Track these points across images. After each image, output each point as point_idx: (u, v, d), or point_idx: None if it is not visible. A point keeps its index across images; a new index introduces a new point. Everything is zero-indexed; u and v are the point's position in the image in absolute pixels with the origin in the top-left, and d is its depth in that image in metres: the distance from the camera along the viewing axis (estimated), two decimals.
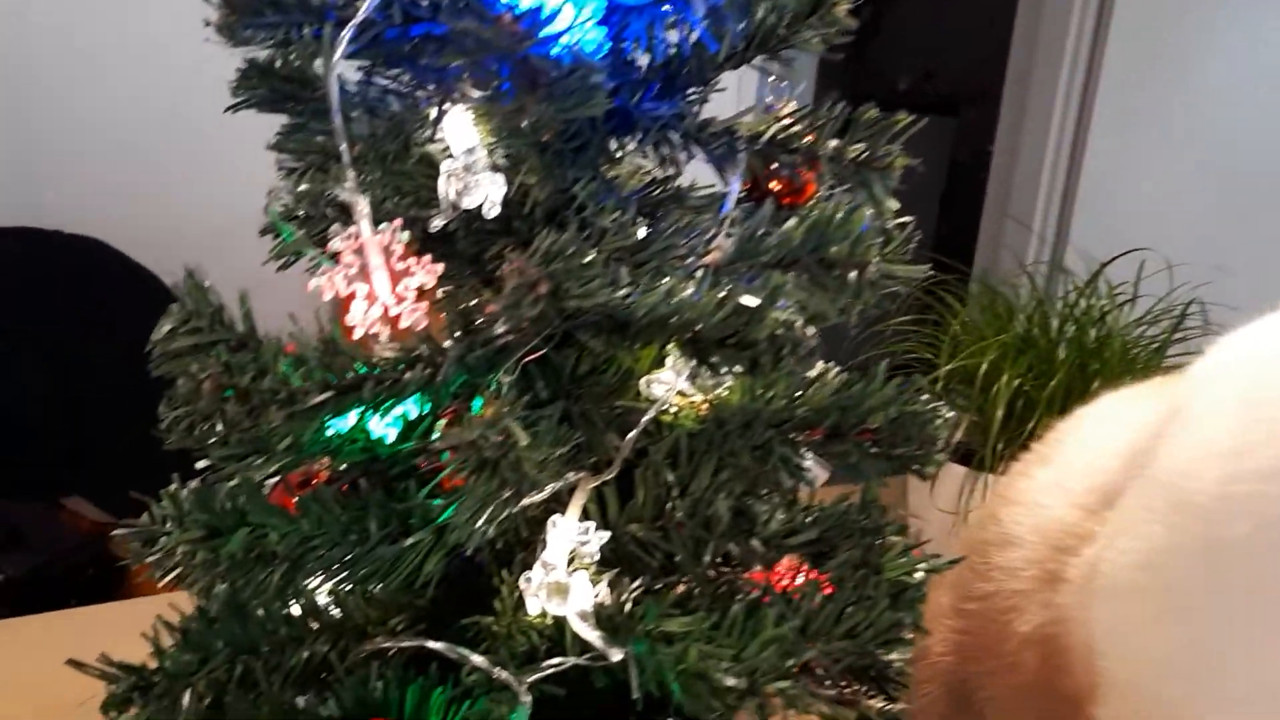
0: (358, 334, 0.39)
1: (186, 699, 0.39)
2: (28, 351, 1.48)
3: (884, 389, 0.44)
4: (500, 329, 0.39)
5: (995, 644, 0.59)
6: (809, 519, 0.45)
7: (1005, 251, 1.51)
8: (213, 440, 0.53)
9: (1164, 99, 1.86)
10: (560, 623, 0.48)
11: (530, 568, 0.47)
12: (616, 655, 0.45)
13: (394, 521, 0.46)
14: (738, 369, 0.40)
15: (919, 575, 0.42)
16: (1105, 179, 1.73)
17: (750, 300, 0.38)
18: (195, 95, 1.59)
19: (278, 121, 0.44)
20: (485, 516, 0.41)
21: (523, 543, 0.50)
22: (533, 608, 0.47)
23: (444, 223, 0.46)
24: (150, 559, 0.47)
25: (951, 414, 0.47)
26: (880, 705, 0.55)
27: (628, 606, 0.44)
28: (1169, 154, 1.84)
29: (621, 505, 0.49)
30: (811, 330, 0.40)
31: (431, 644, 0.47)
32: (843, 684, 0.55)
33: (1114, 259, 1.14)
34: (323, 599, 0.47)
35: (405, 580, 0.48)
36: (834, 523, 0.44)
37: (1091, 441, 0.59)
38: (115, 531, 0.57)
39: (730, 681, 0.37)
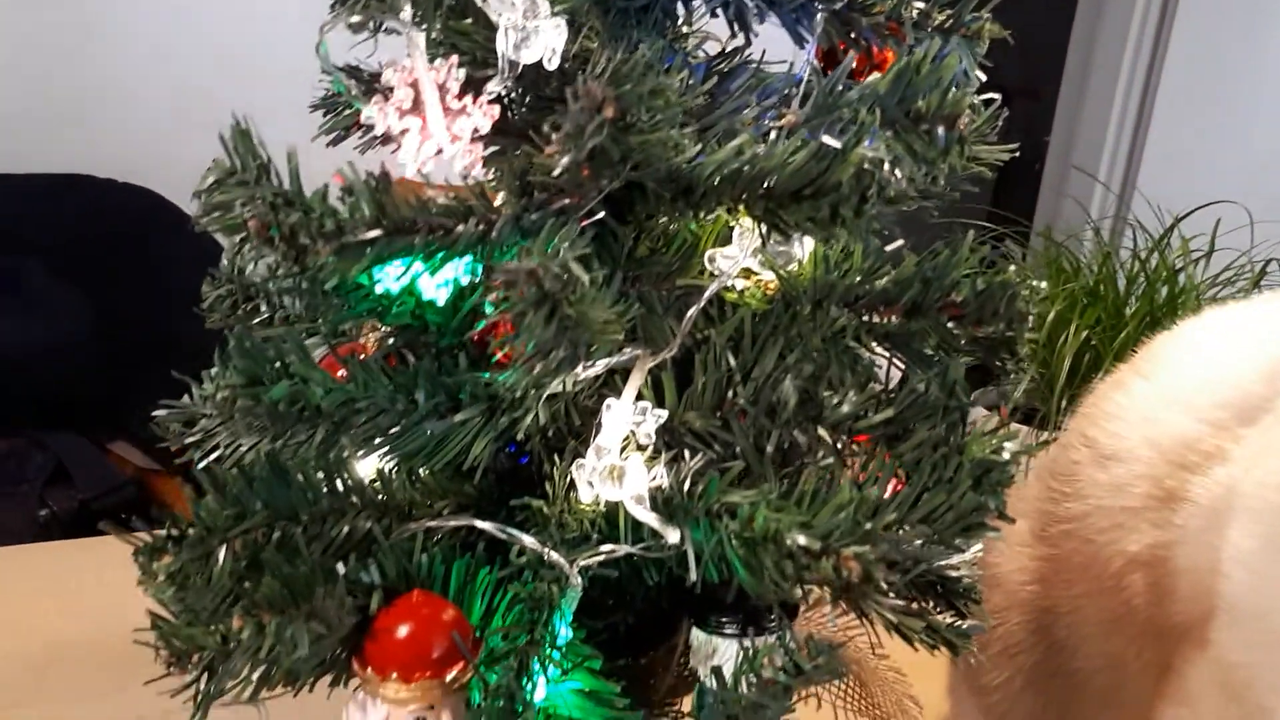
0: (410, 171, 0.37)
1: (222, 554, 0.37)
2: (79, 297, 1.49)
3: (970, 258, 0.41)
4: (559, 171, 0.36)
5: (1092, 567, 0.55)
6: (883, 401, 0.42)
7: (1068, 205, 1.45)
8: (256, 320, 0.52)
9: (1241, 45, 1.75)
10: (612, 513, 0.45)
11: (583, 456, 0.44)
12: (673, 536, 0.42)
13: (442, 395, 0.44)
14: (814, 224, 0.37)
15: (1006, 454, 0.39)
16: (1177, 128, 1.64)
17: (833, 141, 0.35)
18: (255, 49, 1.59)
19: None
20: (539, 371, 0.38)
21: (574, 432, 0.48)
22: (585, 495, 0.45)
23: (500, 86, 0.43)
24: (190, 439, 0.45)
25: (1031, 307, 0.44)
26: (951, 620, 0.51)
27: (686, 485, 0.42)
28: (1246, 101, 1.74)
29: (679, 394, 0.46)
30: (901, 175, 0.36)
31: (480, 523, 0.45)
32: (910, 597, 0.52)
33: (1190, 212, 1.09)
34: (367, 473, 0.44)
35: (453, 462, 0.45)
36: (911, 404, 0.41)
37: (1215, 355, 0.55)
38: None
39: (802, 540, 0.35)
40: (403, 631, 0.38)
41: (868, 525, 0.35)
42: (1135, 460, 0.54)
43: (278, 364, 0.39)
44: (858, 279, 0.42)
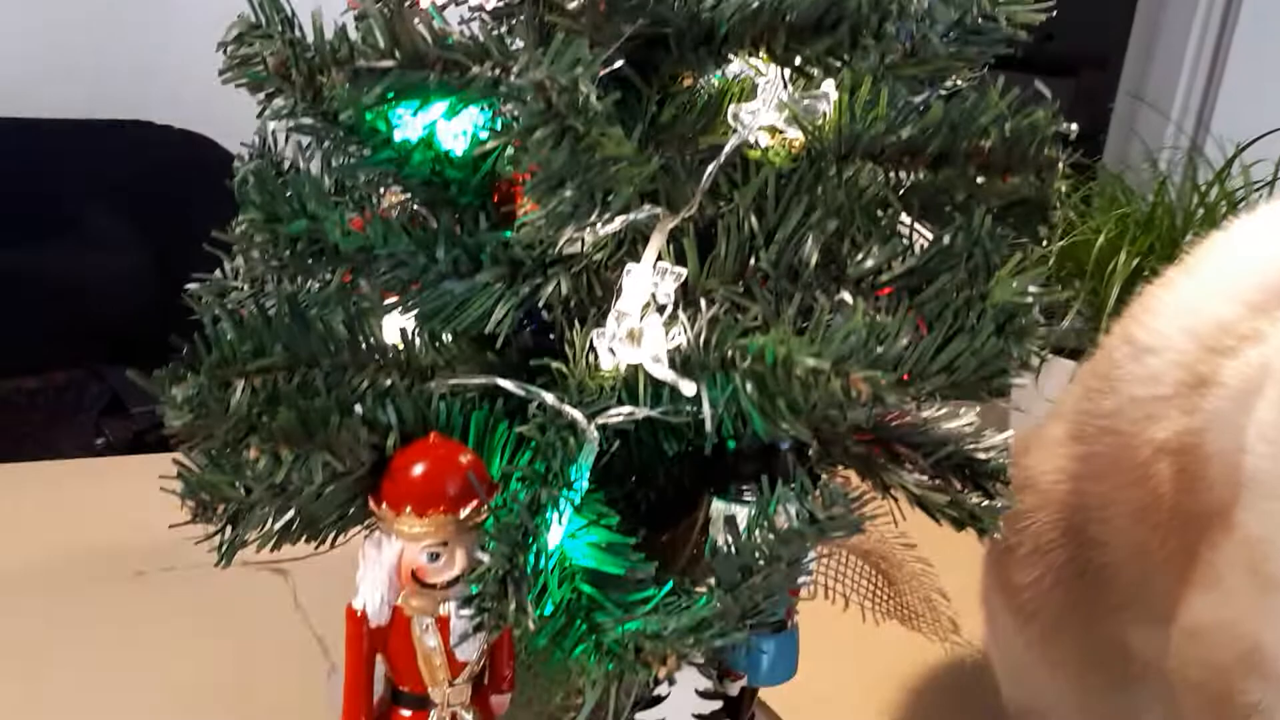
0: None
1: (240, 385, 0.38)
2: (139, 236, 1.53)
3: (999, 104, 0.39)
4: (575, 4, 0.36)
5: (1122, 458, 0.54)
6: (907, 253, 0.41)
7: (1137, 144, 1.40)
8: None
9: None
10: (632, 381, 0.45)
11: (604, 324, 0.44)
12: (689, 389, 0.42)
13: (462, 254, 0.44)
14: (836, 56, 0.36)
15: (1030, 297, 0.38)
16: (1253, 64, 1.56)
17: None
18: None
19: None
20: (553, 212, 0.38)
21: (597, 303, 0.48)
22: (606, 362, 0.44)
23: None
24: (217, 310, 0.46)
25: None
26: (978, 501, 0.51)
27: (703, 335, 0.41)
28: None
29: (701, 261, 0.45)
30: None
31: (502, 381, 0.45)
32: (936, 478, 0.51)
33: (1253, 141, 1.05)
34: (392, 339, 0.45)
35: (475, 326, 0.45)
36: (935, 254, 0.40)
37: (1261, 244, 0.54)
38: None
39: (810, 363, 0.34)
40: (418, 468, 0.39)
41: (879, 349, 0.34)
42: (1171, 350, 0.53)
43: (296, 204, 0.39)
44: (883, 128, 0.41)
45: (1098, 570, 0.56)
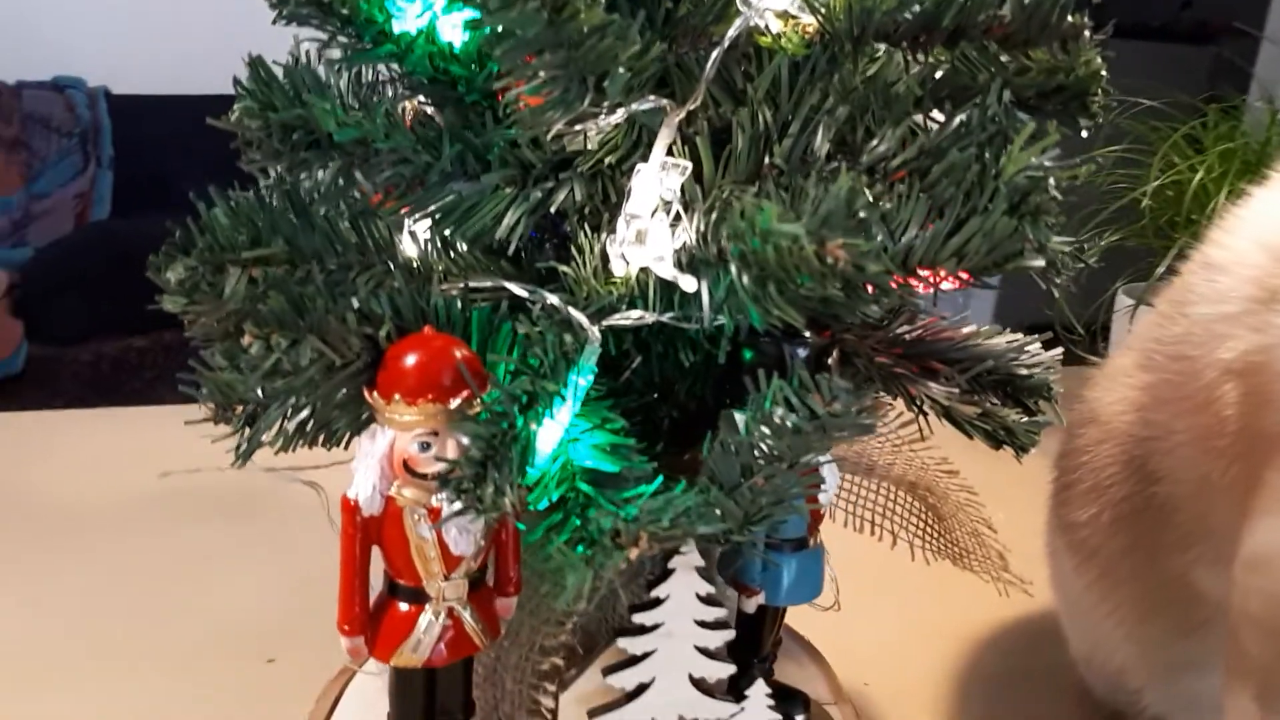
0: None
1: (235, 273, 0.38)
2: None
3: None
4: None
5: (1186, 383, 0.50)
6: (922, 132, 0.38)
7: None
8: None
9: None
10: (644, 286, 0.44)
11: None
12: (690, 284, 0.40)
13: (469, 153, 0.44)
14: None
15: (1043, 171, 0.35)
16: None
17: None
18: None
19: None
20: (548, 100, 0.37)
21: (612, 209, 0.46)
22: (618, 269, 0.43)
23: None
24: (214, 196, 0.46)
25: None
26: (1015, 415, 0.47)
27: (706, 231, 0.40)
28: None
29: (716, 163, 0.44)
30: None
31: (507, 284, 0.44)
32: (973, 394, 0.49)
33: None
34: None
35: (486, 230, 0.45)
36: (951, 133, 0.37)
37: None
38: None
39: (787, 228, 0.32)
40: (410, 358, 0.38)
41: (862, 214, 0.32)
42: (1241, 265, 0.49)
43: (290, 92, 0.39)
44: (895, 3, 0.38)
45: (1159, 507, 0.52)
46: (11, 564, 0.74)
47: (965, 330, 0.50)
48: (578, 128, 0.44)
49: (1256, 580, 0.45)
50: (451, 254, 0.47)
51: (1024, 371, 0.49)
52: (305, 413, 0.45)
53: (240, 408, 0.46)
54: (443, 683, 0.43)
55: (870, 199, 0.33)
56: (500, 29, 0.35)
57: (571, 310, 0.42)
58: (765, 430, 0.38)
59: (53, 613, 0.69)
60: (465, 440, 0.35)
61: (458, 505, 0.36)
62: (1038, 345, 0.50)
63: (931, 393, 0.46)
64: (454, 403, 0.38)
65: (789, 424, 0.38)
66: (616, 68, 0.38)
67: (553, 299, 0.43)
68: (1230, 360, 0.47)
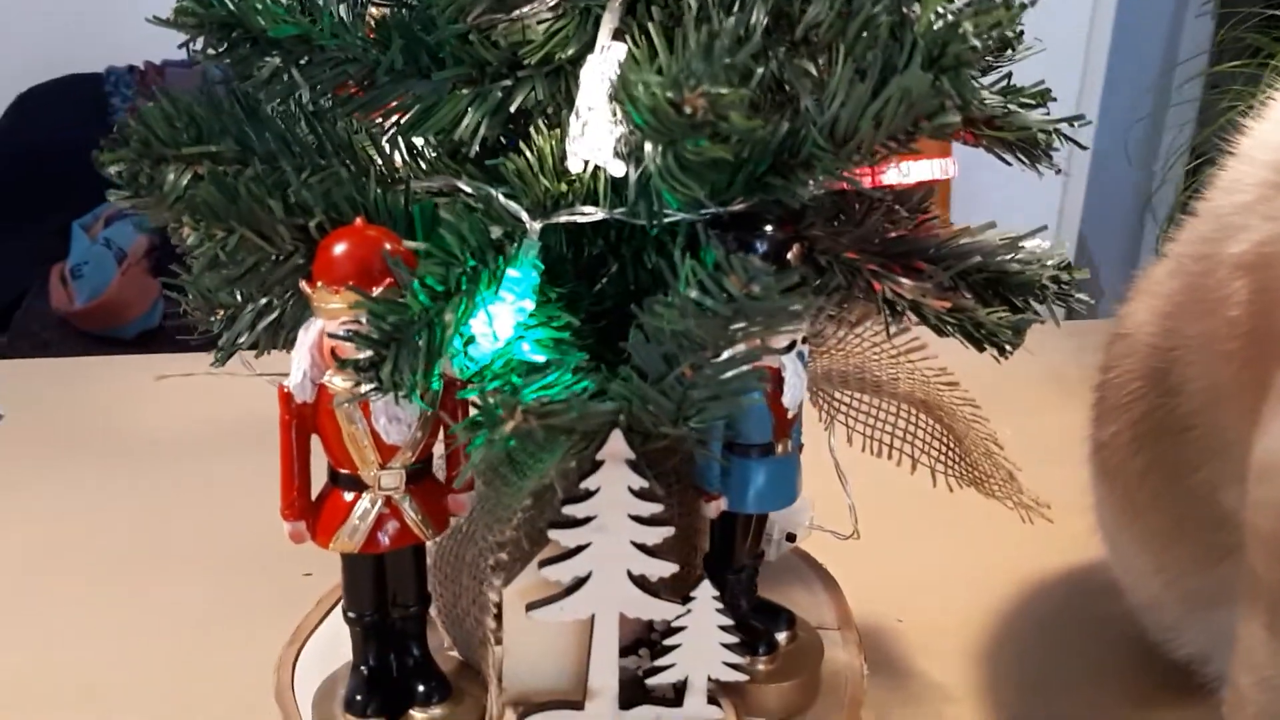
0: None
1: (173, 169, 0.40)
2: None
3: None
4: None
5: (1199, 285, 0.46)
6: None
7: None
8: None
9: None
10: (593, 188, 0.43)
11: None
12: (618, 169, 0.39)
13: (421, 50, 0.44)
14: None
15: (963, 23, 0.31)
16: None
17: None
18: None
19: None
20: None
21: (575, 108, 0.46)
22: (574, 166, 0.42)
23: None
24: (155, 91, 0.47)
25: None
26: (1001, 314, 0.44)
27: None
28: None
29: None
30: None
31: (458, 181, 0.44)
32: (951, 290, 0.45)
33: None
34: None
35: (447, 131, 0.45)
36: None
37: None
38: None
39: (652, 80, 0.30)
40: (338, 246, 0.39)
41: (726, 59, 0.30)
42: (1260, 150, 0.44)
43: None
44: None
45: (1178, 423, 0.47)
46: (116, 484, 0.80)
47: (954, 228, 0.46)
48: (513, 15, 0.43)
49: (1264, 491, 0.40)
50: (415, 153, 0.47)
51: (1015, 268, 0.45)
52: (276, 314, 0.46)
53: (221, 311, 0.48)
54: (392, 571, 0.44)
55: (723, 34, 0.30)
56: None
57: (505, 201, 0.41)
58: (681, 315, 0.37)
59: (134, 527, 0.74)
60: (364, 321, 0.36)
61: (366, 388, 0.36)
62: (1036, 241, 0.46)
63: (901, 289, 0.43)
64: (376, 291, 0.38)
65: (706, 307, 0.36)
66: None
67: (498, 195, 0.42)
68: (1241, 253, 0.42)
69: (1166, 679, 0.57)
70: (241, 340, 0.47)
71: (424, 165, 0.48)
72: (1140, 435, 0.49)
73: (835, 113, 0.35)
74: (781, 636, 0.50)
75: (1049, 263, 0.47)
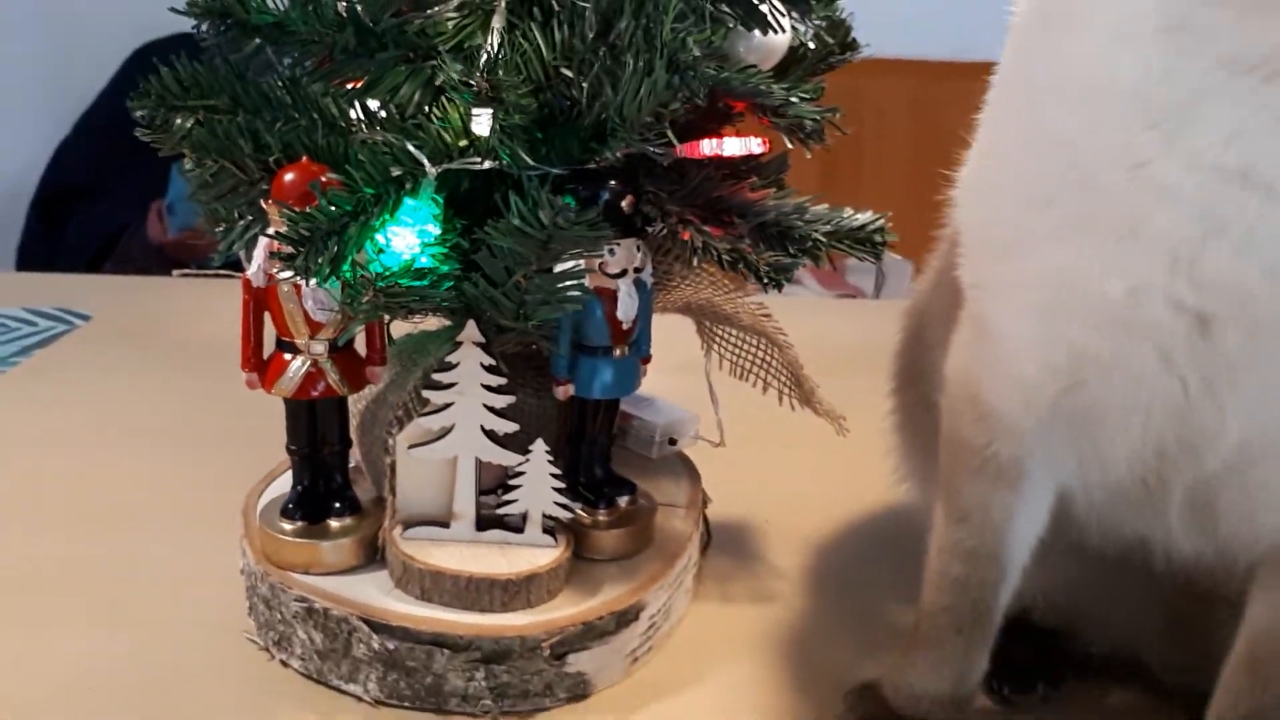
0: None
1: (181, 116, 0.56)
2: None
3: None
4: None
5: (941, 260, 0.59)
6: None
7: None
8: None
9: None
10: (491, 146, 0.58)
11: None
12: (483, 127, 0.54)
13: (369, 35, 0.59)
14: None
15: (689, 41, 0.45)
16: None
17: None
18: None
19: None
20: None
21: None
22: (476, 129, 0.57)
23: None
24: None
25: None
26: (771, 258, 0.58)
27: None
28: None
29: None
30: None
31: (378, 133, 0.60)
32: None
33: None
34: None
35: (390, 97, 0.60)
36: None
37: None
38: None
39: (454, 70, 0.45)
40: (286, 176, 0.55)
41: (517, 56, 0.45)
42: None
43: None
44: None
45: (927, 366, 0.60)
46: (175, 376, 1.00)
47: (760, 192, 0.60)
48: (427, 12, 0.58)
49: (945, 399, 0.53)
50: (369, 114, 0.63)
51: (798, 224, 0.59)
52: (257, 228, 0.63)
53: (222, 226, 0.65)
54: (321, 416, 0.60)
55: None
56: None
57: (411, 148, 0.56)
58: (508, 236, 0.52)
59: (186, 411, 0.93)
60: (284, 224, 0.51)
61: (283, 273, 0.52)
62: (823, 207, 0.60)
63: (704, 236, 0.57)
64: (309, 208, 0.54)
65: (526, 232, 0.51)
66: None
67: (402, 142, 0.57)
68: (951, 230, 0.55)
69: None
70: (236, 246, 0.63)
71: (374, 121, 0.63)
72: (905, 404, 0.62)
73: (620, 99, 0.50)
74: (623, 500, 0.65)
75: (859, 222, 0.60)
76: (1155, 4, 0.38)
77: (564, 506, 0.59)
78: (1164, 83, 0.38)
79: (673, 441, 0.75)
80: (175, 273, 0.69)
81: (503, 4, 0.56)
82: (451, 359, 0.56)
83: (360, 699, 0.57)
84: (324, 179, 0.55)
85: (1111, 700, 0.61)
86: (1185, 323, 0.41)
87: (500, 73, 0.45)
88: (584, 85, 0.53)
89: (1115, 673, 0.62)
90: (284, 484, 0.67)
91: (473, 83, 0.46)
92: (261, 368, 0.58)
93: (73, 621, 0.64)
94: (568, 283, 0.54)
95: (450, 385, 0.56)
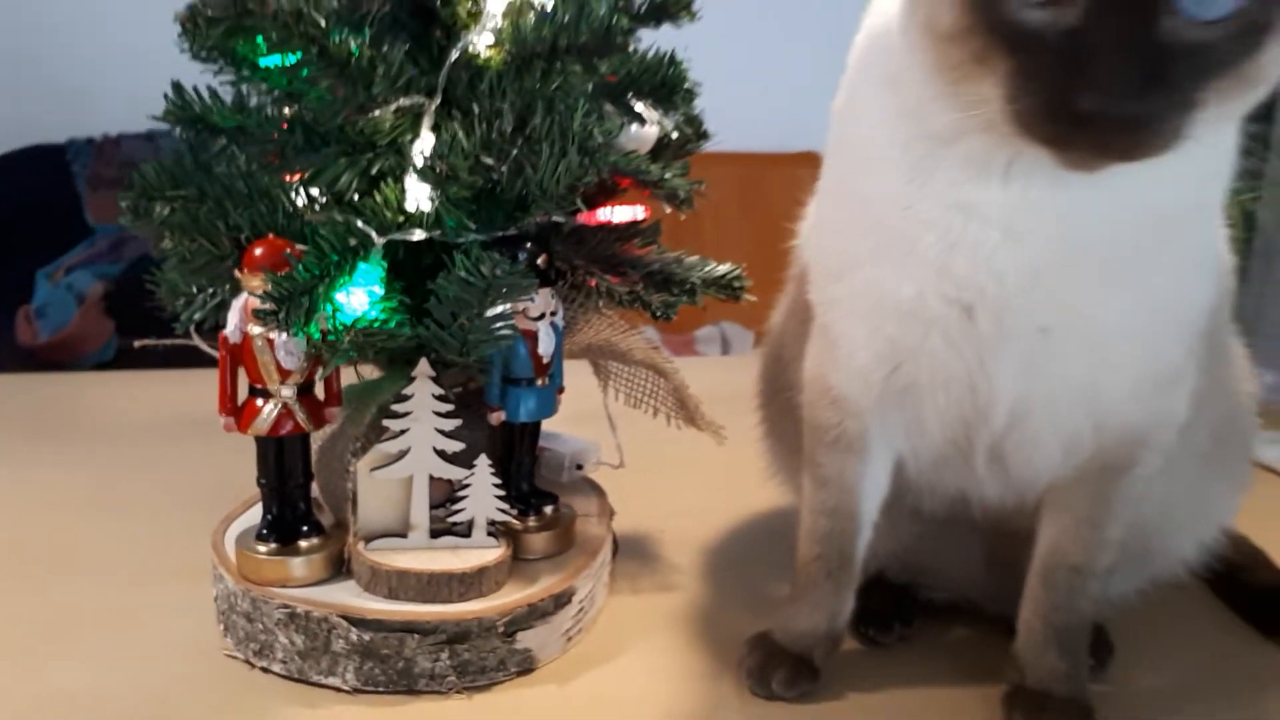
0: None
1: (159, 205, 0.66)
2: None
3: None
4: None
5: (794, 286, 0.75)
6: None
7: None
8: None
9: None
10: (426, 217, 0.70)
11: None
12: (423, 203, 0.67)
13: (314, 135, 0.71)
14: None
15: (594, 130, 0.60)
16: None
17: None
18: None
19: None
20: (339, 104, 0.65)
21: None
22: (409, 205, 0.70)
23: None
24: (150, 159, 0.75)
25: None
26: (660, 298, 0.73)
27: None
28: None
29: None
30: None
31: (333, 214, 0.72)
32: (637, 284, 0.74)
33: None
34: None
35: (333, 185, 0.72)
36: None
37: None
38: None
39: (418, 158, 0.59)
40: (257, 250, 0.66)
41: (465, 145, 0.58)
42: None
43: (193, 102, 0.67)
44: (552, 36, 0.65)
45: (787, 381, 0.76)
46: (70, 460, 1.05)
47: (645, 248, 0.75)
48: (371, 115, 0.71)
49: (803, 395, 0.69)
50: (312, 200, 0.75)
51: (678, 271, 0.74)
52: (218, 299, 0.73)
53: (182, 299, 0.75)
54: (288, 452, 0.70)
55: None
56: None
57: (360, 225, 0.69)
58: (455, 286, 0.64)
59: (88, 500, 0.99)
60: (268, 287, 0.62)
61: (268, 328, 0.63)
62: (696, 258, 0.76)
63: (606, 283, 0.72)
64: (285, 272, 0.65)
65: (469, 282, 0.64)
66: (374, 78, 0.66)
67: (357, 221, 0.70)
68: (798, 269, 0.71)
69: None
70: (198, 316, 0.73)
71: (317, 205, 0.75)
72: (770, 402, 0.78)
73: (540, 176, 0.64)
74: (548, 509, 0.77)
75: (721, 272, 0.76)
76: (894, 99, 0.56)
77: (504, 511, 0.71)
78: (910, 151, 0.56)
79: (579, 466, 0.88)
80: (137, 343, 0.77)
81: (432, 107, 0.69)
82: (407, 391, 0.67)
83: (339, 689, 0.66)
84: (293, 249, 0.66)
85: (953, 634, 0.77)
86: (956, 312, 0.58)
87: (452, 157, 0.58)
88: (503, 170, 0.67)
89: (953, 612, 0.78)
90: (245, 522, 0.76)
91: (435, 166, 0.59)
92: (236, 412, 0.68)
93: (67, 660, 0.71)
94: (500, 324, 0.67)
95: (407, 413, 0.68)
